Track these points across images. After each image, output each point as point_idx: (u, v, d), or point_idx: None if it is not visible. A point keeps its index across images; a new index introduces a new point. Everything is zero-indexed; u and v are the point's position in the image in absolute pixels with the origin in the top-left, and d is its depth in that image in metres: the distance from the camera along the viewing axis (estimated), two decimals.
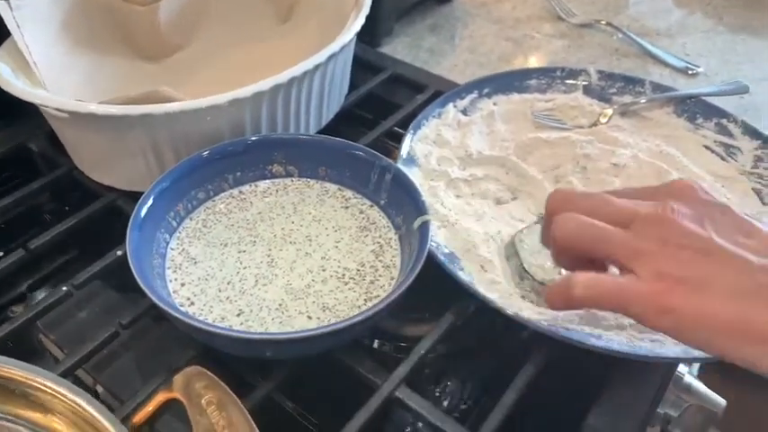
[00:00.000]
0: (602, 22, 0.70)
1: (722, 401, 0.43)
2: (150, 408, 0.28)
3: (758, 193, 0.45)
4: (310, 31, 0.57)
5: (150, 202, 0.38)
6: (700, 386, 0.44)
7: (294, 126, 0.47)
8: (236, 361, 0.37)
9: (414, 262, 0.35)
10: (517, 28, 0.71)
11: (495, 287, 0.38)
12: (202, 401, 0.27)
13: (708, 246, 0.28)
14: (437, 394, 0.42)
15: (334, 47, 0.45)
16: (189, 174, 0.40)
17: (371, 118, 0.58)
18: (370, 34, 0.66)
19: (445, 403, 0.42)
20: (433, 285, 0.39)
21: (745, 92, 0.55)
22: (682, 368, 0.43)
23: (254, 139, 0.42)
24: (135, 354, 0.38)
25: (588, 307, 0.33)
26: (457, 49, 0.67)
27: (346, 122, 0.56)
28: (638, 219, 0.30)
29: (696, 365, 0.56)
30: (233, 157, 0.42)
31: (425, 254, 0.35)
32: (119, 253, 0.41)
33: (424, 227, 0.37)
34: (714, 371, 0.53)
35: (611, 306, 0.30)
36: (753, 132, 0.48)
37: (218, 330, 0.31)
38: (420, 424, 0.40)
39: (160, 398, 0.28)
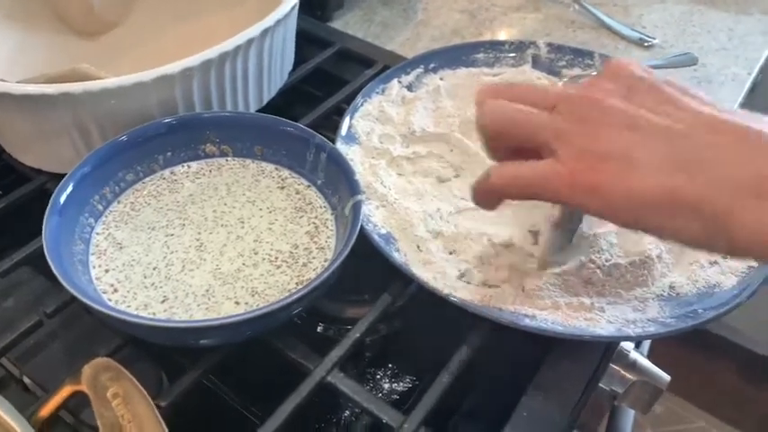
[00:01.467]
0: None
1: (666, 377, 0.43)
2: (55, 401, 0.27)
3: None
4: (252, 5, 0.55)
5: (70, 188, 0.36)
6: (644, 362, 0.44)
7: (231, 104, 0.45)
8: (167, 347, 0.35)
9: (344, 244, 0.34)
10: (473, 0, 0.69)
11: (430, 267, 0.37)
12: (108, 394, 0.26)
13: (632, 120, 0.27)
14: (378, 376, 0.42)
15: (269, 20, 0.43)
16: (112, 157, 0.38)
17: (320, 95, 0.56)
18: (320, 8, 0.64)
19: (386, 385, 0.41)
20: (374, 266, 0.39)
21: (693, 63, 0.54)
22: (627, 345, 0.43)
23: (168, 120, 0.40)
24: (63, 342, 0.37)
25: (510, 197, 0.31)
26: (410, 22, 0.66)
27: (293, 99, 0.54)
28: (561, 100, 0.29)
29: (647, 343, 0.56)
30: (160, 137, 0.40)
31: (355, 236, 0.34)
32: None
33: (356, 207, 0.36)
34: (662, 346, 0.53)
35: (532, 191, 0.29)
36: None
37: (131, 319, 0.30)
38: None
39: (66, 391, 0.27)
